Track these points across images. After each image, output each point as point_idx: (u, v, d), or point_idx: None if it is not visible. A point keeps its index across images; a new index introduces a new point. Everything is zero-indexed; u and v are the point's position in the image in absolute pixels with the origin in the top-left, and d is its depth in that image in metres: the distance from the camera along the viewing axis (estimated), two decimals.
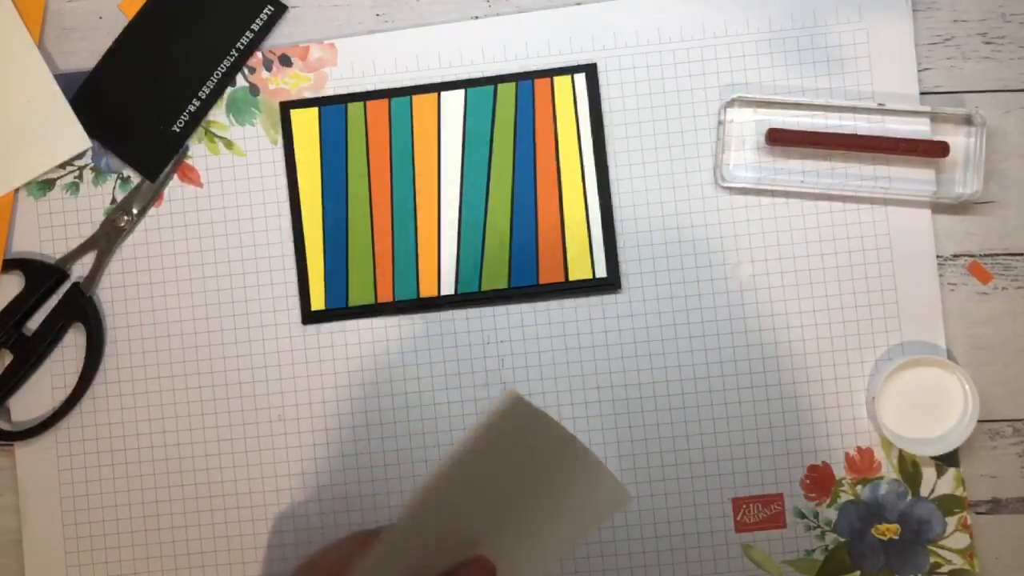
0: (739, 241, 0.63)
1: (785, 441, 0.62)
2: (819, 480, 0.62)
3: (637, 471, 0.63)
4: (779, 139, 0.62)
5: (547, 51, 0.64)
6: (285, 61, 0.65)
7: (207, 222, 0.65)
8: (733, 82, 0.64)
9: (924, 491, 0.62)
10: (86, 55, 0.66)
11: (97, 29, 0.66)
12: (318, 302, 0.64)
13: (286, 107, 0.65)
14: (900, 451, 0.62)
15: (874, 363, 0.62)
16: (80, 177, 0.66)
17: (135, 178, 0.65)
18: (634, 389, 0.63)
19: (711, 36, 0.64)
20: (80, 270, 0.65)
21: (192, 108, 0.65)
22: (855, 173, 0.63)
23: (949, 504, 0.62)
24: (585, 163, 0.63)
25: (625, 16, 0.64)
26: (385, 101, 0.64)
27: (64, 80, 0.65)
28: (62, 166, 0.66)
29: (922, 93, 0.63)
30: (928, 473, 0.62)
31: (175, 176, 0.65)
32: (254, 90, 0.65)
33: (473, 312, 0.64)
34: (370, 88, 0.65)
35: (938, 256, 0.63)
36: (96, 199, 0.65)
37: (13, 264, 0.65)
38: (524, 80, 0.64)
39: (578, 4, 0.65)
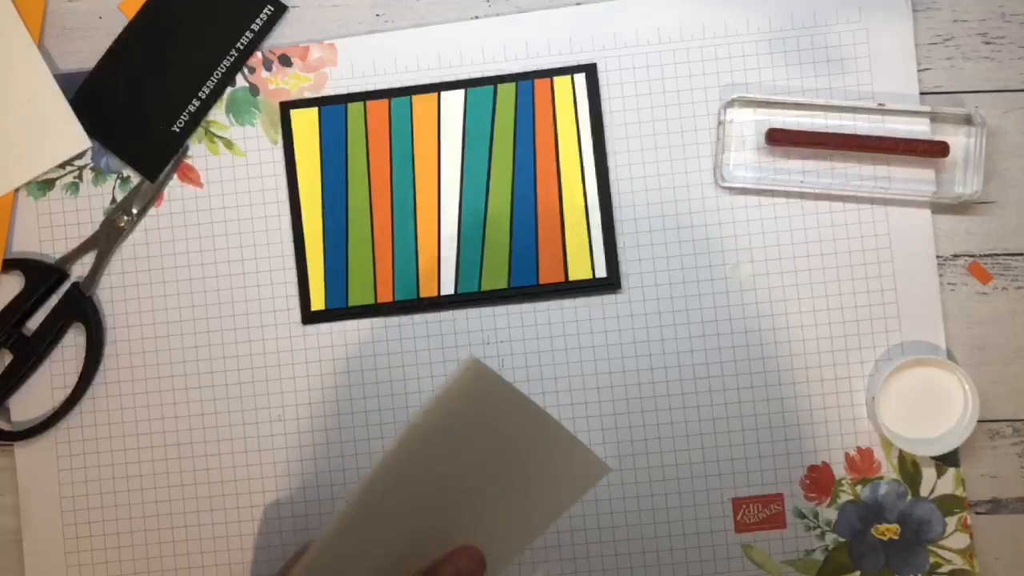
0: (739, 241, 0.63)
1: (785, 441, 0.62)
2: (819, 480, 0.62)
3: (637, 471, 0.63)
4: (779, 139, 0.62)
5: (547, 51, 0.64)
6: (285, 61, 0.65)
7: (207, 222, 0.65)
8: (733, 82, 0.64)
9: (924, 491, 0.62)
10: (86, 55, 0.66)
11: (97, 29, 0.66)
12: (318, 302, 0.64)
13: (286, 107, 0.65)
14: (900, 451, 0.62)
15: (874, 363, 0.62)
16: (80, 177, 0.66)
17: (135, 178, 0.65)
18: (634, 389, 0.63)
19: (711, 36, 0.64)
20: (80, 270, 0.65)
21: (192, 108, 0.65)
22: (855, 173, 0.63)
23: (949, 504, 0.62)
24: (585, 163, 0.63)
25: (625, 16, 0.64)
26: (385, 101, 0.64)
27: (64, 80, 0.65)
28: (62, 166, 0.66)
29: (922, 93, 0.63)
30: (928, 473, 0.62)
31: (175, 176, 0.65)
32: (254, 90, 0.65)
33: (473, 312, 0.64)
34: (370, 88, 0.65)
35: (938, 256, 0.63)
36: (96, 199, 0.65)
37: (13, 264, 0.65)
38: (524, 80, 0.64)
39: (578, 4, 0.65)
